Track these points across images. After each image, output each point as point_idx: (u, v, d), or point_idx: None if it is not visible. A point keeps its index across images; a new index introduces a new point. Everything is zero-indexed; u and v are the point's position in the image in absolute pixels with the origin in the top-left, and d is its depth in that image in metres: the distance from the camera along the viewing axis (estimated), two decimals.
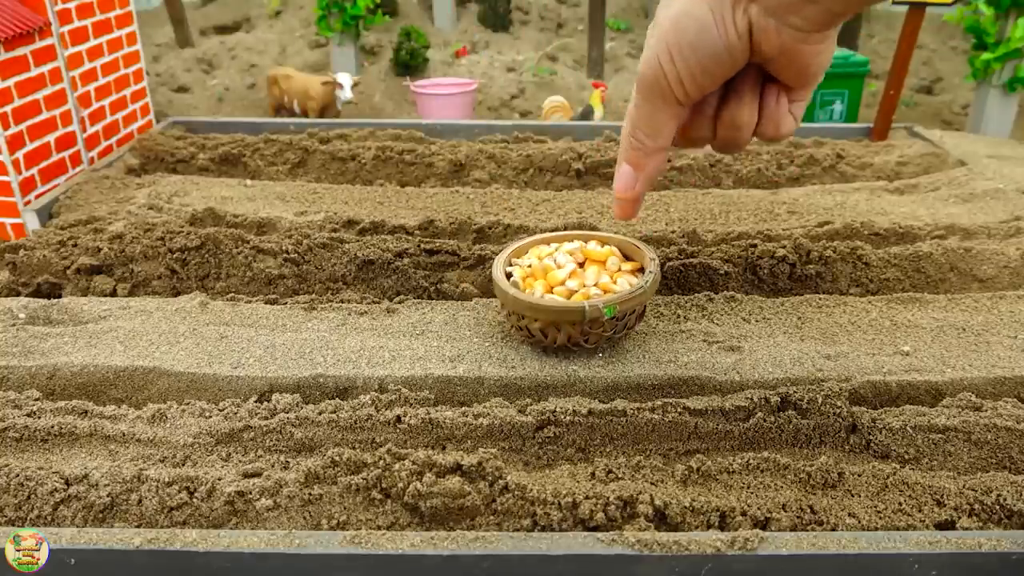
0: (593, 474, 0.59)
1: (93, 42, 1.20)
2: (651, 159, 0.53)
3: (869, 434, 0.62)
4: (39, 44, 1.07)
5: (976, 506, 0.55)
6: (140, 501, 0.54)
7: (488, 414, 0.62)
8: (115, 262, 0.87)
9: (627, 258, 0.74)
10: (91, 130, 1.21)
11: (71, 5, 1.14)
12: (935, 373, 0.69)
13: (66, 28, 1.13)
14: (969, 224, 0.97)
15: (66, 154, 1.14)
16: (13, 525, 0.53)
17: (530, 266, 0.72)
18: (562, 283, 0.68)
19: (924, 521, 0.54)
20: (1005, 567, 0.50)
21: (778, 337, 0.74)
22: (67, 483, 0.55)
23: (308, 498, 0.54)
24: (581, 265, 0.72)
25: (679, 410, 0.63)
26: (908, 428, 0.61)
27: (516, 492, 0.54)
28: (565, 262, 0.71)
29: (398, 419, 0.62)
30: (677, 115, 0.50)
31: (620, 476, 0.58)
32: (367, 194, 1.11)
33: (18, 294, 0.86)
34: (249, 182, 1.14)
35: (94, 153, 1.22)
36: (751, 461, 0.58)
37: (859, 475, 0.57)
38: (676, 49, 0.46)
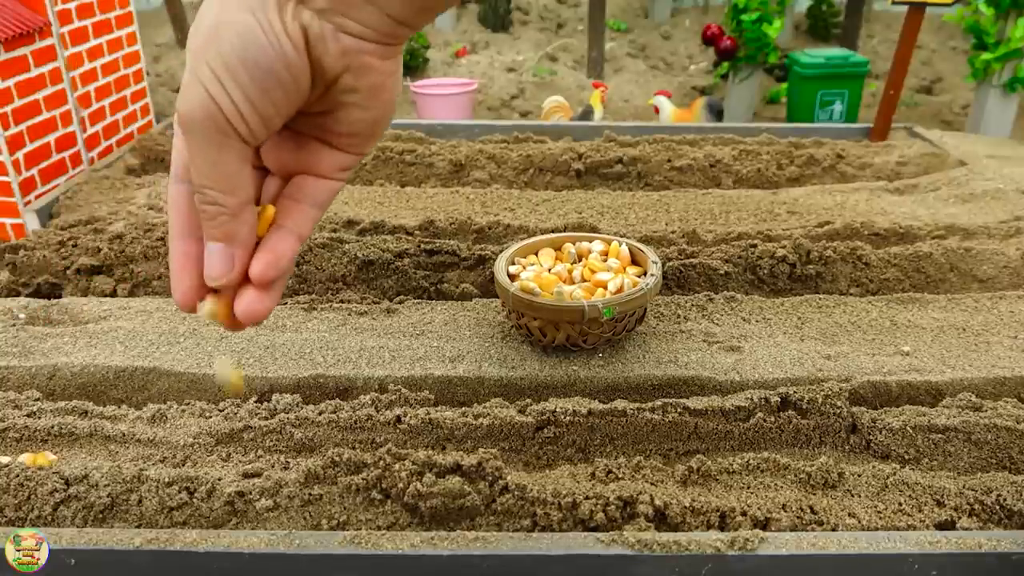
0: (593, 474, 0.59)
1: (93, 42, 1.20)
2: (240, 222, 0.40)
3: (869, 434, 0.62)
4: (39, 44, 1.07)
5: (976, 506, 0.55)
6: (140, 501, 0.54)
7: (488, 414, 0.62)
8: (115, 262, 0.87)
9: (631, 261, 0.75)
10: (91, 130, 1.21)
11: (71, 5, 1.14)
12: (935, 373, 0.69)
13: (66, 28, 1.13)
14: (969, 224, 0.97)
15: (66, 154, 1.14)
16: (13, 525, 0.53)
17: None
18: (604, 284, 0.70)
19: (924, 521, 0.54)
20: (1005, 567, 0.50)
21: (778, 337, 0.74)
22: (67, 483, 0.55)
23: (308, 498, 0.54)
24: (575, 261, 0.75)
25: (679, 410, 0.63)
26: (908, 428, 0.61)
27: (516, 492, 0.54)
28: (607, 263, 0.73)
29: (398, 419, 0.62)
30: (246, 158, 0.39)
31: (620, 476, 0.58)
32: (367, 194, 1.11)
33: (18, 294, 0.86)
34: None
35: (94, 153, 1.22)
36: (751, 461, 0.58)
37: (859, 475, 0.57)
38: (223, 68, 0.36)
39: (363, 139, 0.42)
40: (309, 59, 0.37)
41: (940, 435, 0.61)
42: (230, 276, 0.40)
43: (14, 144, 1.03)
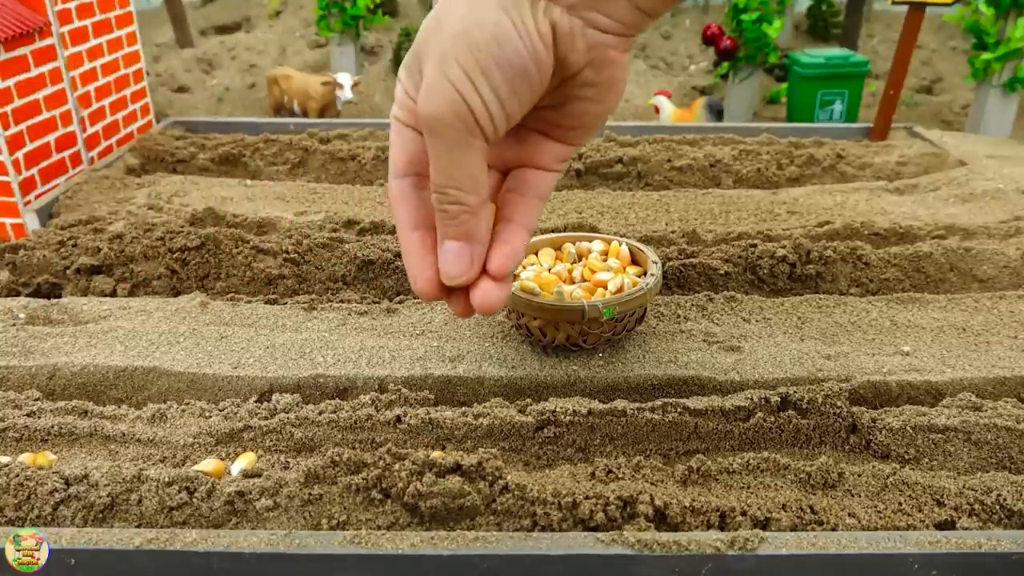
0: (593, 474, 0.59)
1: (93, 42, 1.20)
2: (479, 220, 0.40)
3: (869, 434, 0.62)
4: (39, 44, 1.07)
5: (976, 506, 0.55)
6: (140, 501, 0.54)
7: (488, 414, 0.62)
8: (115, 262, 0.87)
9: (631, 261, 0.75)
10: (91, 130, 1.21)
11: (71, 5, 1.14)
12: (935, 373, 0.69)
13: (66, 28, 1.13)
14: (969, 224, 0.97)
15: (66, 154, 1.14)
16: (13, 525, 0.53)
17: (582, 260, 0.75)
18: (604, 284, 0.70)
19: (924, 521, 0.54)
20: (1005, 567, 0.50)
21: (778, 337, 0.74)
22: (67, 483, 0.55)
23: (308, 498, 0.54)
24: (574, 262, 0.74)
25: (679, 410, 0.63)
26: (908, 428, 0.61)
27: (516, 492, 0.54)
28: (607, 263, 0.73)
29: (398, 419, 0.62)
30: (486, 156, 0.39)
31: (620, 476, 0.58)
32: (367, 194, 1.11)
33: (18, 294, 0.86)
34: (249, 182, 1.14)
35: (94, 153, 1.22)
36: (751, 461, 0.58)
37: (859, 475, 0.57)
38: (476, 68, 0.35)
39: (586, 130, 0.42)
40: (554, 56, 0.37)
41: (940, 435, 0.61)
42: (469, 274, 0.40)
43: (14, 144, 1.03)
